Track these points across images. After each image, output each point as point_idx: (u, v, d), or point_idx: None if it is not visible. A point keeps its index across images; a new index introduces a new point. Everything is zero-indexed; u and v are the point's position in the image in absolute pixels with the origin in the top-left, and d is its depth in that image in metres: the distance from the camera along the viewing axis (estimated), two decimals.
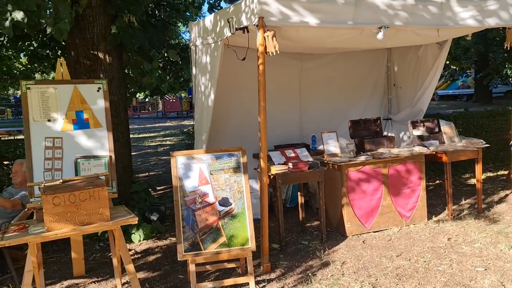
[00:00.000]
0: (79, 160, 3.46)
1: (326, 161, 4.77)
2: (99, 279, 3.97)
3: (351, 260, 4.03)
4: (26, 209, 4.28)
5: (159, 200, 6.28)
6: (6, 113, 33.32)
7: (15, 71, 8.44)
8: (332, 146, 4.94)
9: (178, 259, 3.47)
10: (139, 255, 4.52)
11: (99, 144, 3.55)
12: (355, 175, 4.60)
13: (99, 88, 3.64)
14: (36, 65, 7.79)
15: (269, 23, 3.57)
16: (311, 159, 4.75)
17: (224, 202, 3.65)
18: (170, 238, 5.00)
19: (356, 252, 4.21)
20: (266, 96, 3.67)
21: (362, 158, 4.71)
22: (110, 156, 3.54)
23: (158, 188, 7.51)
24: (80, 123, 3.53)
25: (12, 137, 5.71)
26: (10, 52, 7.92)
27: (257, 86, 3.67)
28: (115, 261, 3.14)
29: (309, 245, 4.47)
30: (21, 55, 8.41)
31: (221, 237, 3.57)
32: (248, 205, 3.67)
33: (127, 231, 4.94)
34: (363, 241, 4.48)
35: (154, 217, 5.44)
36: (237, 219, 3.63)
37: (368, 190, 4.66)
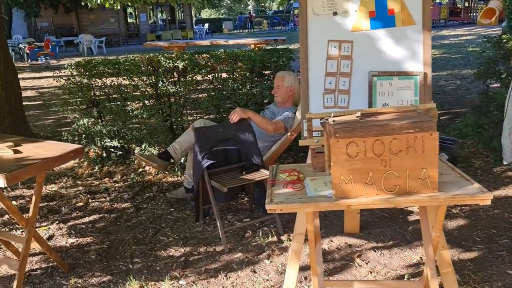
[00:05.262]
0: (375, 78, 2.18)
1: None
2: (379, 243, 2.86)
3: None
4: (289, 133, 3.50)
5: (447, 132, 4.69)
6: (262, 25, 36.11)
7: None
8: None
9: None
10: None
11: (409, 53, 2.16)
12: None
13: None
14: None
15: None
16: None
17: None
18: None
19: None
20: None
21: None
22: (425, 74, 2.14)
23: (444, 112, 5.84)
24: (382, 18, 2.19)
25: (271, 47, 4.93)
26: None
27: None
28: (430, 251, 1.88)
29: None
30: None
31: None
32: None
33: None
34: None
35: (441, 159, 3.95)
36: None
37: None
